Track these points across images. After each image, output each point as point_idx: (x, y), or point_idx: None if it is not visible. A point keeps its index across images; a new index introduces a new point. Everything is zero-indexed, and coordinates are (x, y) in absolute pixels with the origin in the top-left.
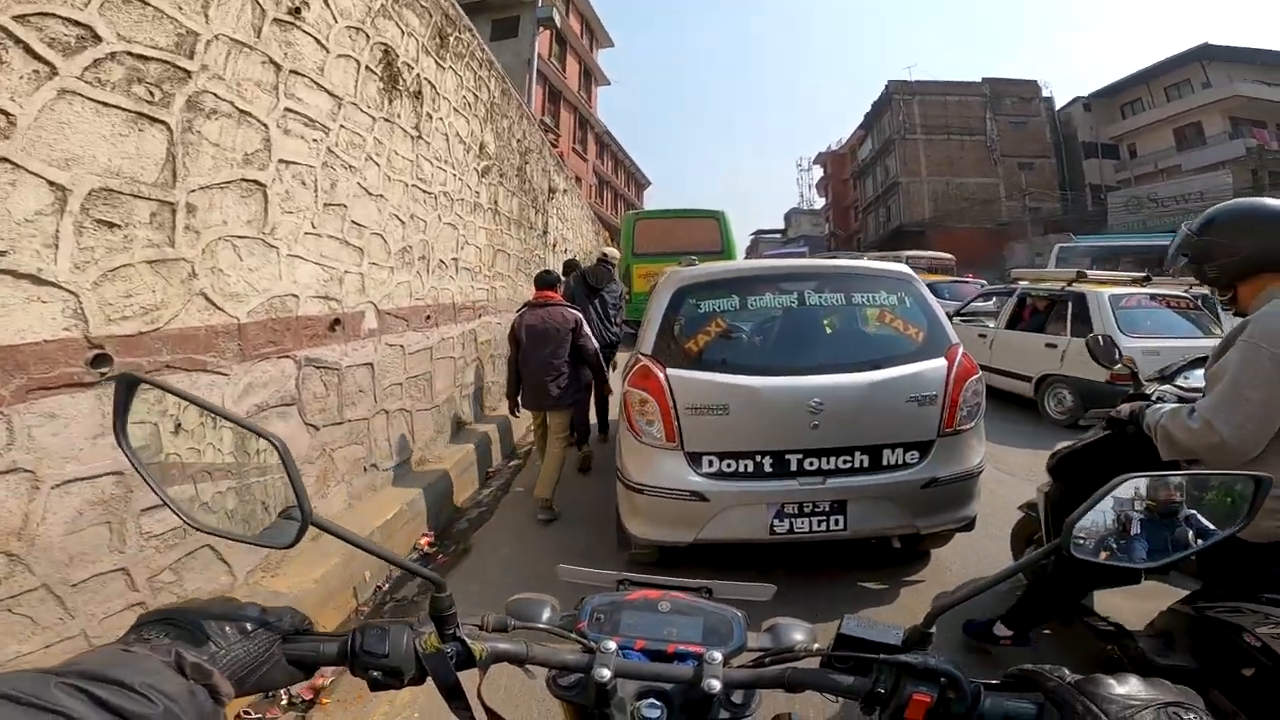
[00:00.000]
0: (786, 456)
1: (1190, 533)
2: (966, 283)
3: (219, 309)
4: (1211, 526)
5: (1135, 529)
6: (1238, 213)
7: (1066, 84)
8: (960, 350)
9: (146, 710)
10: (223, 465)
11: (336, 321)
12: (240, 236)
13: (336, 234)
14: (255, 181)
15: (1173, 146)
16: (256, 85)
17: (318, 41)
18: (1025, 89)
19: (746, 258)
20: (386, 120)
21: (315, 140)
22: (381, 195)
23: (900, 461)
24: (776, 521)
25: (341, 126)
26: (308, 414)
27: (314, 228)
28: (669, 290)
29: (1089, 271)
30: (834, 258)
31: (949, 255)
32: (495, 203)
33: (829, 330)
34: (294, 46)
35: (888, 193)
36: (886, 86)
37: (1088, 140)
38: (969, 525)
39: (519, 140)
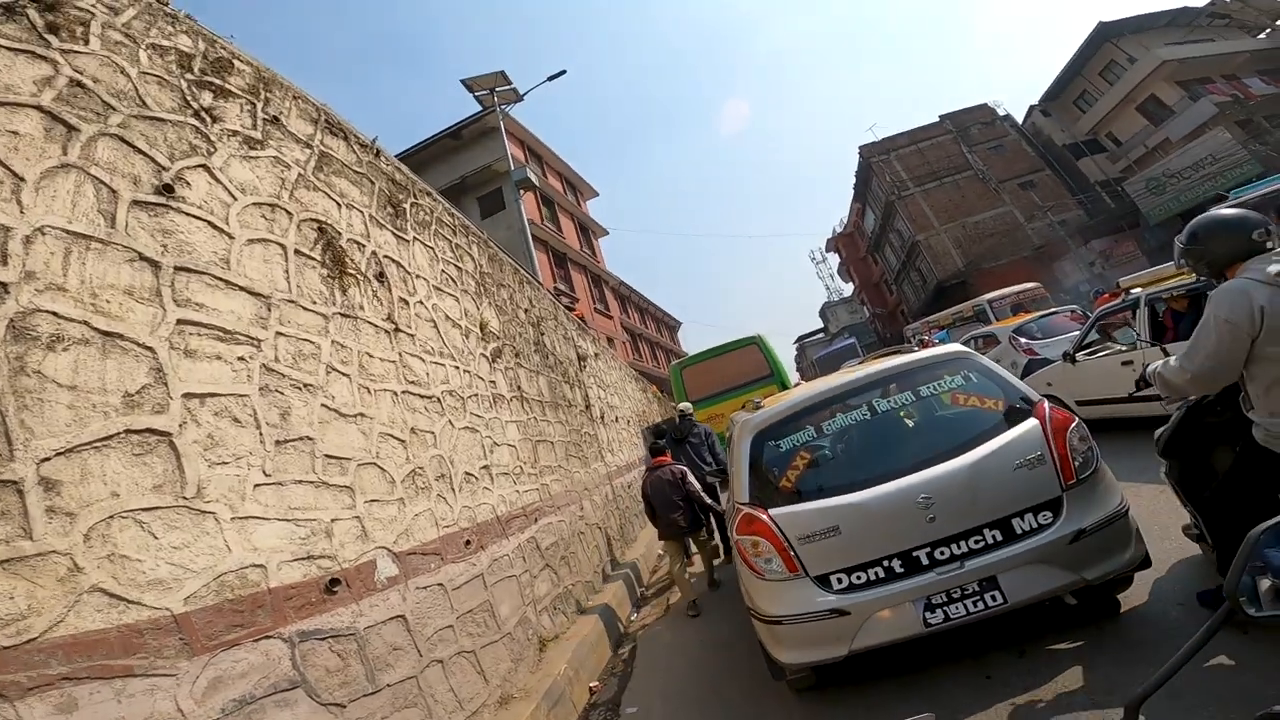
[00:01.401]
0: (914, 554)
1: None
2: (1055, 313)
3: (133, 603)
4: None
5: None
6: (1206, 225)
7: (1017, 100)
8: (1047, 405)
9: None
10: None
11: (335, 582)
12: (145, 509)
13: (307, 476)
14: (151, 430)
15: (1147, 125)
16: (126, 294)
17: (213, 227)
18: (982, 114)
19: (797, 367)
20: (345, 315)
21: (241, 359)
22: (362, 414)
23: (1035, 525)
24: (928, 614)
25: (279, 334)
26: (323, 693)
27: (268, 476)
28: (746, 439)
29: None
30: (892, 348)
31: (1034, 284)
32: (519, 388)
33: (911, 428)
34: (176, 235)
35: (911, 255)
36: (860, 153)
37: (1068, 143)
38: (1144, 563)
39: (526, 310)
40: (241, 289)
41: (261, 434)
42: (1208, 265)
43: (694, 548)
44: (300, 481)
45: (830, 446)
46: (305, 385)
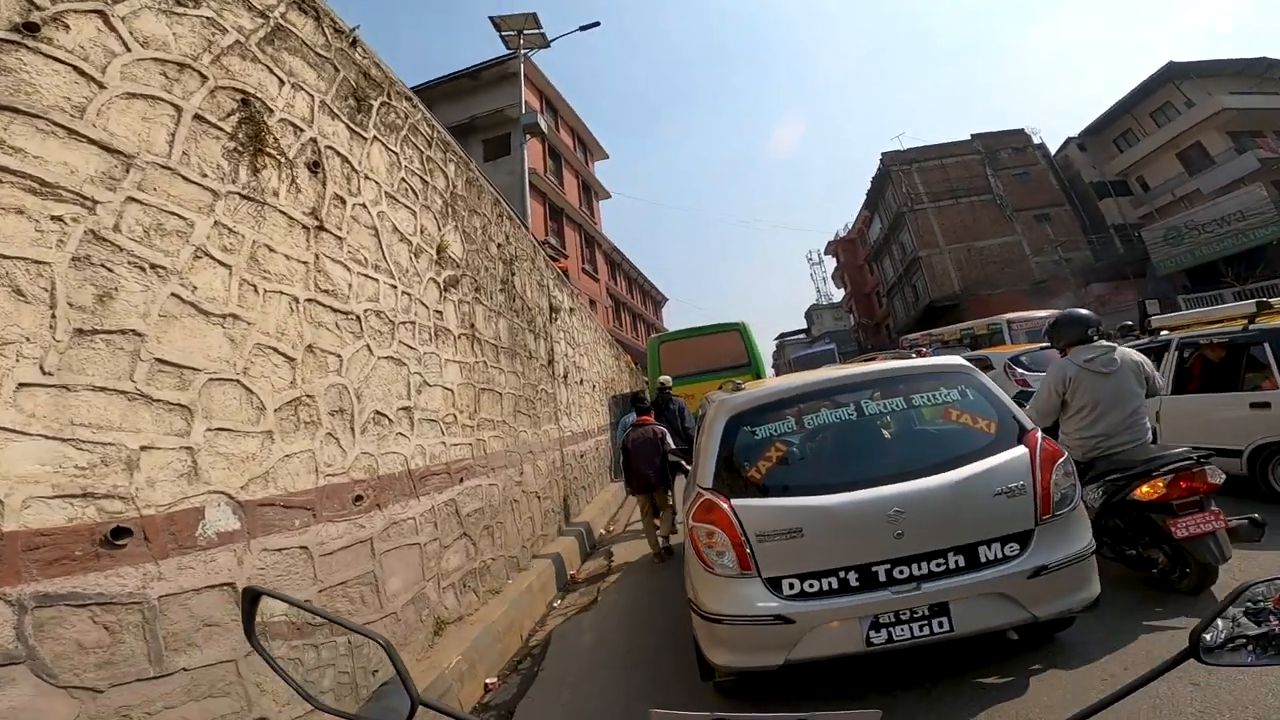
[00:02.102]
0: (873, 568)
1: None
2: (1049, 348)
3: None
4: None
5: (1272, 626)
6: (1058, 319)
7: (1052, 129)
8: (1040, 435)
9: None
10: (329, 658)
11: (122, 531)
12: None
13: (117, 384)
14: None
15: (1183, 172)
16: None
17: (80, 73)
18: (1016, 139)
19: (773, 363)
20: (246, 197)
21: (57, 219)
22: (235, 316)
23: (1000, 555)
24: (872, 633)
25: (132, 199)
26: (63, 673)
27: (47, 374)
28: (721, 420)
29: (1272, 300)
30: (890, 352)
31: (1047, 313)
32: (472, 325)
33: (895, 436)
34: (16, 74)
35: (909, 270)
36: (882, 160)
37: (1095, 180)
38: (1093, 605)
39: (499, 245)
40: (93, 142)
41: (54, 316)
42: (1058, 344)
43: (659, 504)
44: (102, 389)
45: (808, 442)
46: (153, 266)
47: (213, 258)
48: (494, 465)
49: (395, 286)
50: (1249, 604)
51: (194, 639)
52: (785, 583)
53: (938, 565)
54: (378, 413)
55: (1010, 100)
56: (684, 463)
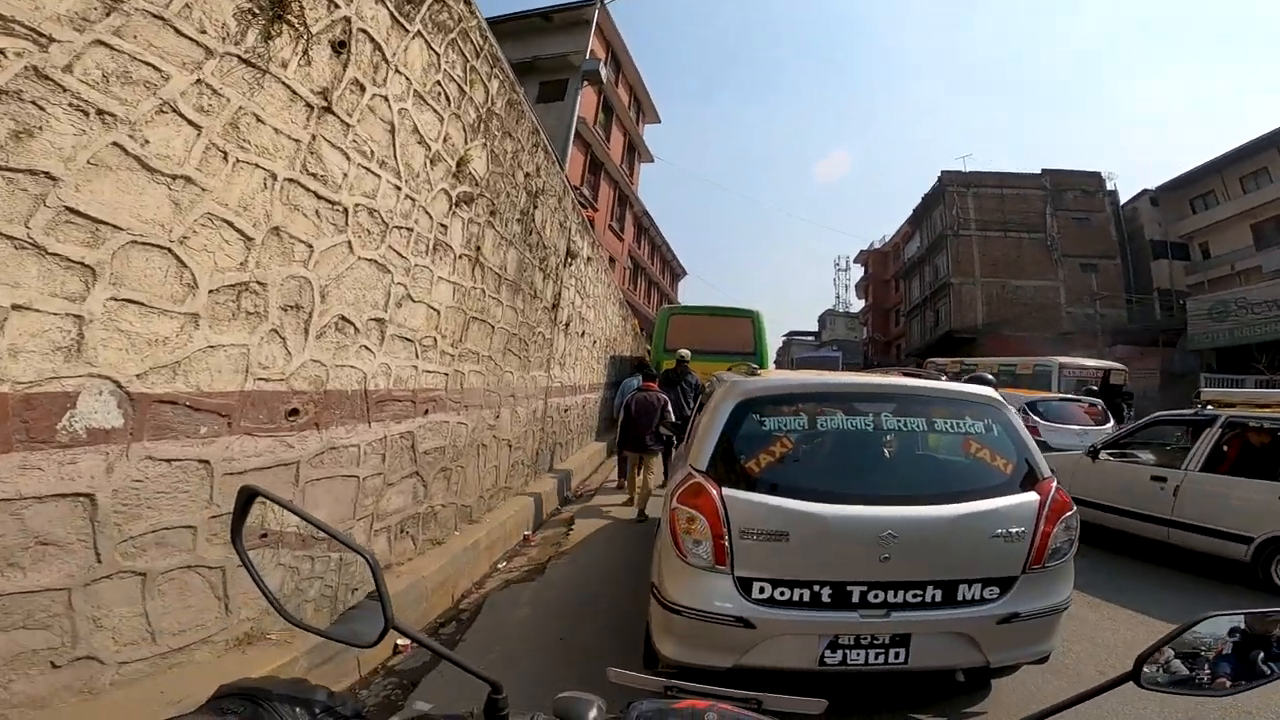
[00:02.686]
0: (849, 588)
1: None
2: (1074, 400)
3: None
4: None
5: (1217, 660)
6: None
7: (1129, 179)
8: (1054, 485)
9: None
10: (319, 570)
11: None
12: None
13: None
14: None
15: (1251, 245)
16: None
17: None
18: (1088, 181)
19: (777, 360)
20: (247, 62)
21: None
22: (189, 179)
23: (978, 597)
24: (828, 652)
25: (99, 42)
26: None
27: None
28: (729, 402)
29: None
30: (913, 370)
31: (1120, 366)
32: (477, 248)
33: (907, 457)
34: None
35: (936, 295)
36: (940, 178)
37: (1155, 239)
38: (1044, 659)
39: (528, 175)
40: None
41: None
42: None
43: (645, 468)
44: None
45: (816, 444)
46: (100, 112)
47: (181, 115)
48: (468, 402)
49: (399, 188)
50: (1194, 640)
51: (18, 559)
52: (756, 585)
53: (914, 596)
54: (342, 318)
55: (1091, 149)
56: (675, 438)
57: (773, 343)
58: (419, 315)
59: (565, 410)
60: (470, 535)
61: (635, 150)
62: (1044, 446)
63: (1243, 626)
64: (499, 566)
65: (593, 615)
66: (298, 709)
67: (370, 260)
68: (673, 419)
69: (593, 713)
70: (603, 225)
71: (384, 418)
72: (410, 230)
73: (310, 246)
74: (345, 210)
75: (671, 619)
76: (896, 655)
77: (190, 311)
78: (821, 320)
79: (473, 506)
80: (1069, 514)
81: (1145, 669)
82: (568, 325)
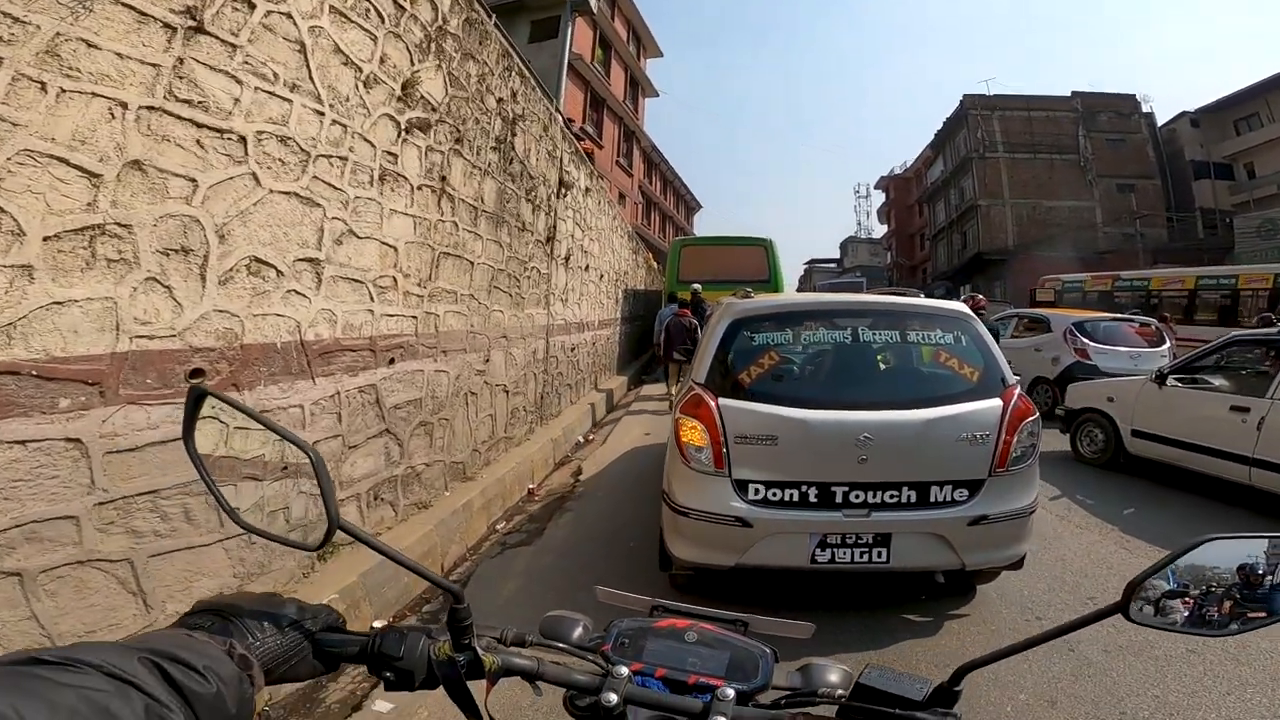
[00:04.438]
0: (832, 488)
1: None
2: (1125, 320)
3: None
4: None
5: (1217, 593)
6: None
7: (1168, 101)
8: (1017, 392)
9: (203, 689)
10: (265, 470)
11: None
12: None
13: None
14: None
15: None
16: None
17: None
18: (1122, 104)
19: (799, 289)
20: None
21: None
22: None
23: (949, 499)
24: (818, 551)
25: None
26: None
27: None
28: (724, 321)
29: None
30: (899, 289)
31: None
32: (442, 179)
33: (882, 366)
34: None
35: (963, 217)
36: (962, 101)
37: (1197, 159)
38: (1018, 564)
39: (501, 100)
40: None
41: None
42: None
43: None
44: None
45: (801, 357)
46: None
47: None
48: (447, 347)
49: (322, 114)
50: (1193, 569)
51: None
52: (751, 487)
53: (890, 497)
54: (256, 260)
55: (1128, 77)
56: (686, 360)
57: (794, 272)
58: (368, 253)
59: (573, 349)
60: (462, 495)
61: (638, 85)
62: (1094, 370)
63: (1248, 553)
64: (497, 527)
65: (590, 585)
66: (265, 622)
67: (288, 193)
68: (699, 338)
69: (577, 631)
70: (609, 162)
71: (334, 371)
72: (344, 160)
73: (193, 181)
74: (241, 138)
75: (679, 521)
76: (879, 554)
77: (19, 264)
78: (843, 248)
79: (465, 462)
80: (1030, 419)
81: (1133, 601)
82: (568, 259)
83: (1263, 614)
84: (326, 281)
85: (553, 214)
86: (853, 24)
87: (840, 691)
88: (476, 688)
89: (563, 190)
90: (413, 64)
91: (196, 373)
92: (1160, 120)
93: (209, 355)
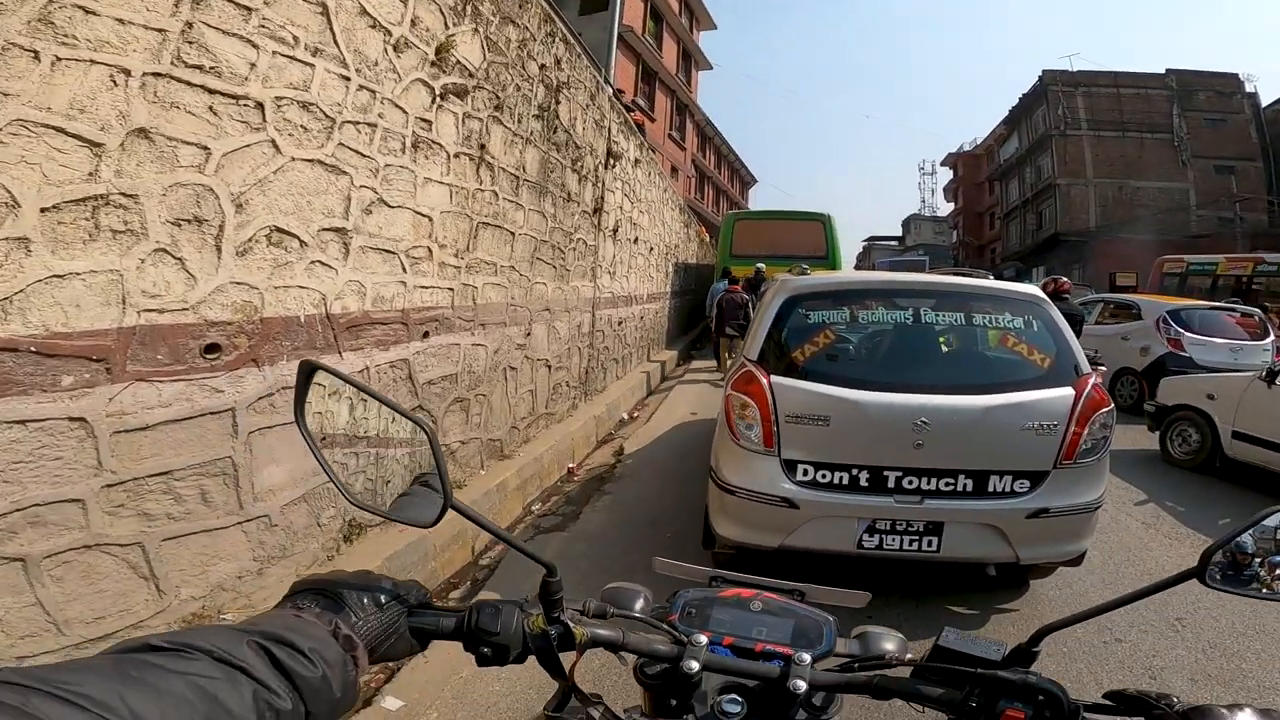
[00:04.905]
0: (885, 473)
1: None
2: (1224, 310)
3: None
4: None
5: None
6: None
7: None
8: (1092, 381)
9: (309, 673)
10: (381, 446)
11: None
12: None
13: None
14: None
15: None
16: None
17: None
18: (1223, 83)
19: (856, 267)
20: None
21: None
22: None
23: (1008, 489)
24: (866, 536)
25: None
26: None
27: None
28: (779, 298)
29: None
30: (966, 269)
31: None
32: (481, 146)
33: (944, 349)
34: None
35: (1039, 196)
36: (1041, 77)
37: None
38: (1077, 560)
39: (544, 67)
40: None
41: None
42: None
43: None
44: None
45: (858, 336)
46: None
47: None
48: (485, 320)
49: (348, 79)
50: (1264, 537)
51: None
52: (800, 468)
53: (946, 484)
54: (278, 229)
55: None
56: (740, 336)
57: (853, 249)
58: (401, 222)
59: (620, 323)
60: (497, 474)
61: (691, 58)
62: (1189, 363)
63: None
64: (533, 509)
65: (623, 576)
66: (366, 599)
67: (312, 161)
68: (750, 314)
69: (639, 602)
70: (661, 135)
71: (364, 345)
72: (373, 126)
73: (206, 149)
74: (258, 104)
75: (725, 499)
76: (930, 543)
77: (13, 236)
78: (905, 225)
79: (503, 440)
80: (1104, 410)
81: (1210, 566)
82: (615, 231)
83: None
84: (355, 252)
85: (600, 185)
86: None
87: (909, 656)
88: (564, 659)
89: (611, 161)
90: (447, 27)
91: (212, 348)
92: (1266, 100)
93: (226, 329)
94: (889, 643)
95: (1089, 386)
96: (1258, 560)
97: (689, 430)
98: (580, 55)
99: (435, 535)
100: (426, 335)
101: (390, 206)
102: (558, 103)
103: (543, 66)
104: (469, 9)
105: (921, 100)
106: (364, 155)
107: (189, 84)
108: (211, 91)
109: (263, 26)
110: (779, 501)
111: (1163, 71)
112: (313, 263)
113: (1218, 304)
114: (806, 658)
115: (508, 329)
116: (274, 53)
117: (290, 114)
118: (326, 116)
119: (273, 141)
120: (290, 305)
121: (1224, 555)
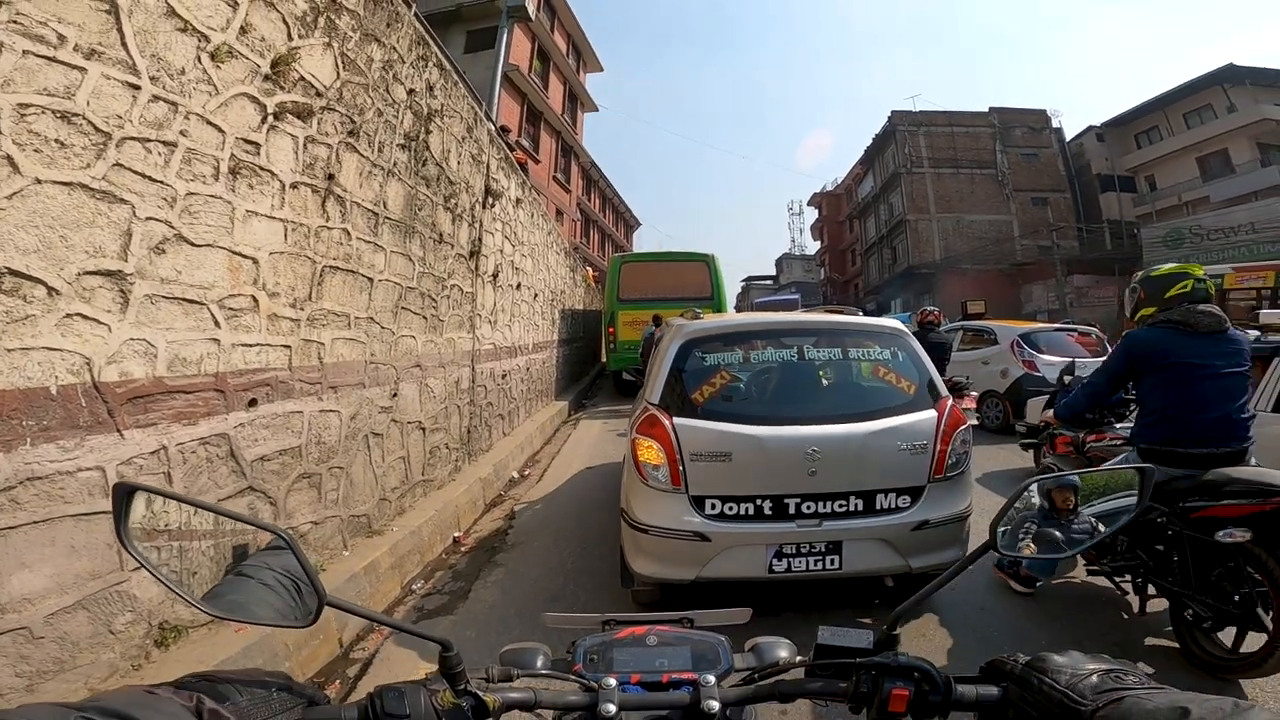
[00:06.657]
0: (785, 500)
1: (1095, 523)
2: (1064, 330)
3: None
4: (1112, 512)
5: (1049, 525)
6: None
7: (1077, 113)
8: (949, 403)
9: None
10: (232, 558)
11: None
12: None
13: None
14: None
15: (1197, 177)
16: None
17: None
18: (1034, 118)
19: (737, 305)
20: None
21: None
22: None
23: (893, 506)
24: (775, 561)
25: None
26: None
27: None
28: (676, 343)
29: None
30: (838, 306)
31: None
32: (329, 177)
33: (826, 382)
34: None
35: (893, 232)
36: (890, 118)
37: (1103, 173)
38: None
39: (412, 92)
40: None
41: None
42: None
43: None
44: None
45: (750, 376)
46: None
47: None
48: (337, 381)
49: (137, 88)
50: (1031, 500)
51: None
52: (708, 502)
53: (840, 506)
54: (10, 272)
55: (1049, 87)
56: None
57: (732, 288)
58: (212, 265)
59: (504, 376)
60: (364, 555)
61: (577, 99)
62: (1043, 383)
63: (1061, 490)
64: (414, 588)
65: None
66: (255, 689)
67: (70, 184)
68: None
69: (539, 659)
70: (546, 176)
71: (158, 420)
72: (170, 145)
73: None
74: None
75: (639, 538)
76: (832, 561)
77: None
78: (778, 264)
79: (370, 515)
80: (963, 427)
81: (999, 536)
82: (495, 276)
83: (1088, 536)
84: (139, 302)
85: (478, 225)
86: (795, 36)
87: (800, 658)
88: None
89: (490, 200)
90: (290, 39)
91: None
92: (1071, 134)
93: None
94: (781, 650)
95: (948, 408)
96: (1028, 526)
97: (586, 483)
98: (457, 83)
99: (285, 631)
100: (254, 403)
101: (194, 245)
102: (428, 132)
103: (411, 91)
104: (321, 21)
105: (800, 140)
106: (154, 180)
107: None
108: None
109: (14, 22)
110: (691, 536)
111: (986, 110)
112: (68, 315)
113: (1059, 325)
114: (711, 679)
115: (367, 390)
116: (24, 51)
117: (38, 125)
118: (98, 131)
119: (8, 157)
120: (31, 373)
121: (1006, 525)
